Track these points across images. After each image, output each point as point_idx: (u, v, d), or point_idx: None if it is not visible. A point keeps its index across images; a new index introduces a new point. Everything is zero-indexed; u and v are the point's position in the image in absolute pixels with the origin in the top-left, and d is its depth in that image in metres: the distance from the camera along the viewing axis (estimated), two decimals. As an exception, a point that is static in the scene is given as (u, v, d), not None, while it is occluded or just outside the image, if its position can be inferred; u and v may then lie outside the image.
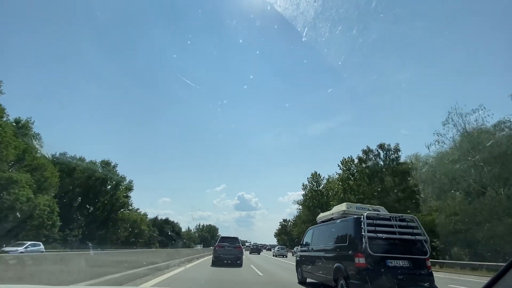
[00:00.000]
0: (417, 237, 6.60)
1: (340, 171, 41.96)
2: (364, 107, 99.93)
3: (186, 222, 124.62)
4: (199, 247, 56.68)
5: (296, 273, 10.50)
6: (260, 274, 12.62)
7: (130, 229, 56.54)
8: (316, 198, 50.34)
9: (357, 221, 6.58)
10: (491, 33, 52.78)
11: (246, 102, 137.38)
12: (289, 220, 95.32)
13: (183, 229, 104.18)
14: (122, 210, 54.47)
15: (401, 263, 6.29)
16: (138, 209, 74.65)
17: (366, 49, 63.97)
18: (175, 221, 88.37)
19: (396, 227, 6.61)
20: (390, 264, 6.21)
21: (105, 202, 50.77)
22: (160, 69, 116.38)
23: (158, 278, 9.05)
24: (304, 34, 27.70)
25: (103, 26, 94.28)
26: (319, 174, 53.24)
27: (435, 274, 6.73)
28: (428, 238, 6.60)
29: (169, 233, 73.20)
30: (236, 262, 15.92)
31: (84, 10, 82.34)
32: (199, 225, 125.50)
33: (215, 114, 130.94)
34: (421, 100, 75.62)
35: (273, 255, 38.82)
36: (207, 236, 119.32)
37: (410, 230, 6.62)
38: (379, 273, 6.04)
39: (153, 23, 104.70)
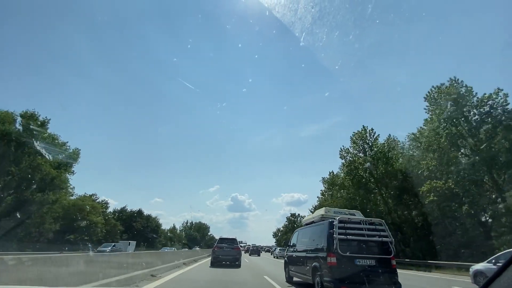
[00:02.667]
0: (384, 239, 7.61)
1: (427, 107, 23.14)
2: (360, 110, 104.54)
3: (179, 223, 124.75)
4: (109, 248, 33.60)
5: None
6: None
7: (67, 220, 35.23)
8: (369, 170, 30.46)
9: (331, 225, 7.57)
10: (486, 35, 53.87)
11: (245, 105, 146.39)
12: (298, 214, 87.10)
13: (168, 227, 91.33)
14: (52, 190, 32.89)
15: (368, 262, 7.27)
16: (94, 195, 52.71)
17: (362, 53, 69.31)
18: (154, 215, 67.06)
19: (365, 230, 7.59)
20: (358, 263, 7.20)
21: (21, 175, 29.07)
22: (160, 72, 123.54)
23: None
24: (301, 39, 28.69)
25: (105, 30, 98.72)
26: (371, 131, 33.10)
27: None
28: (393, 239, 7.68)
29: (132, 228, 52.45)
30: (234, 263, 16.82)
31: (85, 15, 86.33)
32: (187, 223, 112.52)
33: (214, 116, 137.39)
34: (416, 103, 75.79)
35: (274, 257, 39.68)
36: (196, 235, 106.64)
37: (378, 233, 7.67)
38: (348, 270, 7.07)
39: (154, 27, 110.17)
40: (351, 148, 36.80)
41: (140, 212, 65.57)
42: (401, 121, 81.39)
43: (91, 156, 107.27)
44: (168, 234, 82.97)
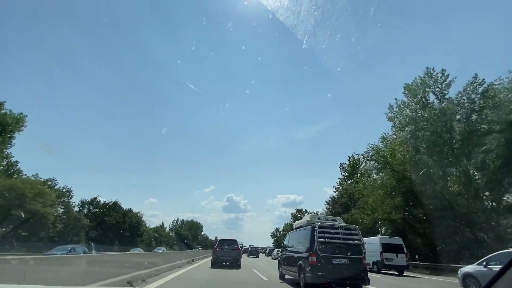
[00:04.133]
0: (356, 241, 9.27)
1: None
2: (360, 111, 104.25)
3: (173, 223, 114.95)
4: None
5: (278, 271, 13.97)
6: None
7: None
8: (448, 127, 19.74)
9: (312, 229, 9.27)
10: (488, 37, 53.17)
11: (246, 107, 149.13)
12: (305, 210, 76.91)
13: (154, 225, 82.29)
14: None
15: (342, 261, 8.96)
16: (52, 180, 41.42)
17: (364, 55, 68.84)
18: (135, 210, 55.52)
19: (342, 234, 9.26)
20: (334, 262, 8.91)
21: None
22: (162, 74, 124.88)
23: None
24: (304, 42, 30.22)
25: (108, 32, 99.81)
26: (442, 73, 22.14)
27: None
28: (364, 242, 9.59)
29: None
30: (234, 263, 17.65)
31: (89, 19, 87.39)
32: (177, 220, 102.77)
33: (213, 117, 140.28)
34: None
35: (272, 258, 40.25)
36: (187, 234, 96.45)
37: (352, 237, 9.31)
38: (326, 268, 8.79)
39: (157, 30, 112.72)
40: (405, 103, 25.80)
41: (116, 204, 54.53)
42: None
43: (88, 156, 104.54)
44: (153, 232, 71.17)
